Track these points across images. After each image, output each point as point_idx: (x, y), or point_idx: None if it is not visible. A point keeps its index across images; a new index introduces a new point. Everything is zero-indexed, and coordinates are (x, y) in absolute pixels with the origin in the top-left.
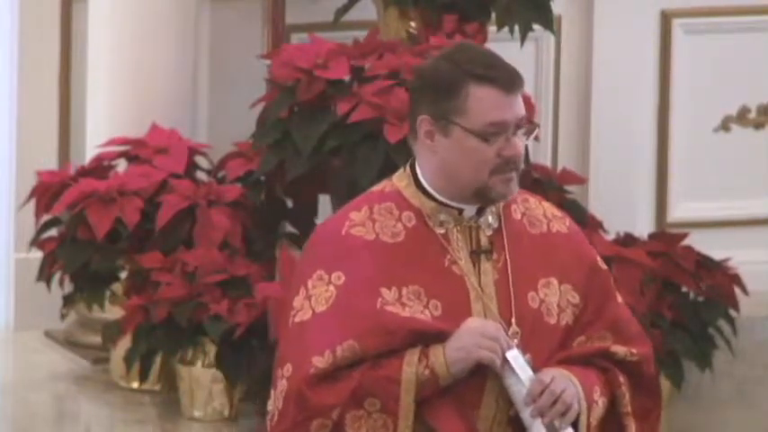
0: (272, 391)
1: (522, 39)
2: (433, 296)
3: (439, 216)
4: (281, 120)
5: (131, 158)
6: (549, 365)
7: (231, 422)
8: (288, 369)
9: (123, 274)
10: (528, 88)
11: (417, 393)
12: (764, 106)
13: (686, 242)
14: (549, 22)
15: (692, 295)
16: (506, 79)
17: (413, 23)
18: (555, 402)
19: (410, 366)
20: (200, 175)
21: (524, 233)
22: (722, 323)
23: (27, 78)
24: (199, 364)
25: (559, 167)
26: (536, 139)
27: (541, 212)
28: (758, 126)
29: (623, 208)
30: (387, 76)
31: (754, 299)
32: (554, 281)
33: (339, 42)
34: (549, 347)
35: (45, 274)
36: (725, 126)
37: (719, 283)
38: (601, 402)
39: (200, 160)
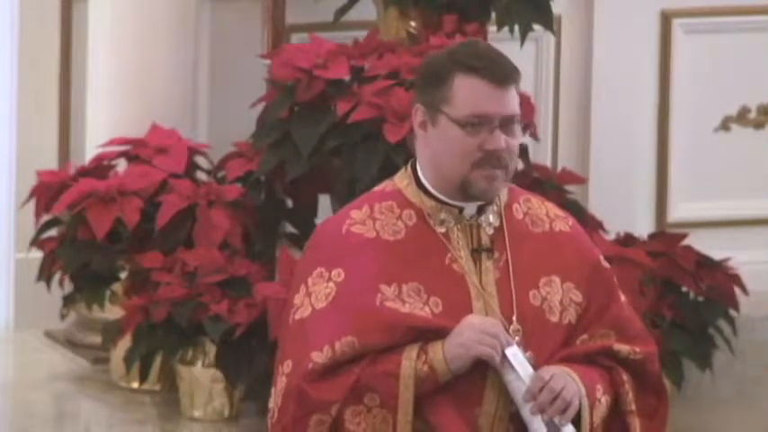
0: (273, 389)
1: (522, 39)
2: (434, 293)
3: (439, 215)
4: (281, 120)
5: (131, 158)
6: (551, 363)
7: (231, 422)
8: (288, 366)
9: (123, 274)
10: (528, 88)
11: (416, 389)
12: (764, 106)
13: (686, 242)
14: (549, 22)
15: (692, 295)
16: (495, 72)
17: (413, 23)
18: (555, 399)
19: (409, 362)
20: (201, 175)
21: (526, 232)
22: (722, 323)
23: (27, 78)
24: (199, 364)
25: (559, 167)
26: (535, 138)
27: (544, 212)
28: (758, 126)
29: (623, 208)
30: (387, 76)
31: (754, 299)
32: (556, 279)
33: (339, 42)
34: (551, 345)
35: (45, 274)
36: (725, 126)
37: (719, 283)
38: (604, 401)
39: (201, 160)
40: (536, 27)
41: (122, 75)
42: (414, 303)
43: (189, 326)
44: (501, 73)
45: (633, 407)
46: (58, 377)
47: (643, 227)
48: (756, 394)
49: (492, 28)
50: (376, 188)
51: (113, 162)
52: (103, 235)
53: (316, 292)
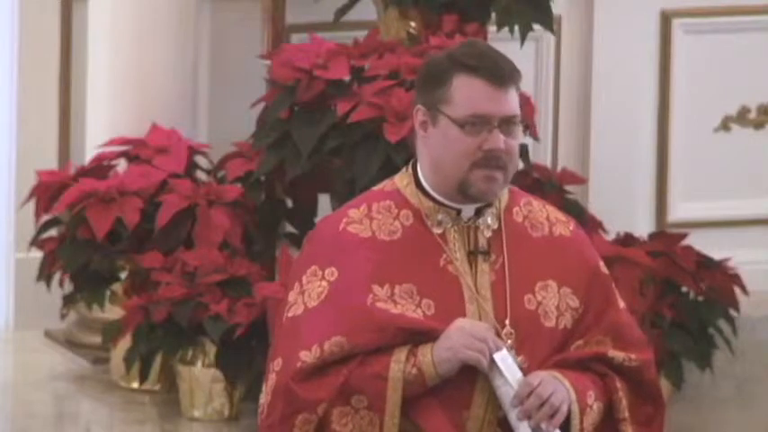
0: (264, 386)
1: (522, 39)
2: (426, 295)
3: (437, 216)
4: (281, 120)
5: (131, 158)
6: (544, 368)
7: (231, 422)
8: (278, 363)
9: (123, 274)
10: (528, 88)
11: (405, 392)
12: (764, 106)
13: (686, 242)
14: (549, 22)
15: (692, 295)
16: (494, 72)
17: (413, 23)
18: (542, 405)
19: (398, 364)
20: (201, 175)
21: (525, 235)
22: (722, 323)
23: (27, 78)
24: (199, 364)
25: (559, 167)
26: (535, 138)
27: (544, 216)
28: (758, 126)
29: (623, 208)
30: (387, 76)
31: (754, 299)
32: (553, 284)
33: (339, 42)
34: (545, 350)
35: (45, 274)
36: (725, 126)
37: (719, 283)
38: (596, 407)
39: (201, 160)
40: (536, 27)
41: (122, 75)
42: (406, 305)
43: (189, 326)
44: (500, 73)
45: (626, 414)
46: (58, 377)
47: (643, 227)
48: (756, 394)
49: (492, 28)
50: (376, 187)
51: (113, 162)
52: (103, 235)
53: (309, 291)
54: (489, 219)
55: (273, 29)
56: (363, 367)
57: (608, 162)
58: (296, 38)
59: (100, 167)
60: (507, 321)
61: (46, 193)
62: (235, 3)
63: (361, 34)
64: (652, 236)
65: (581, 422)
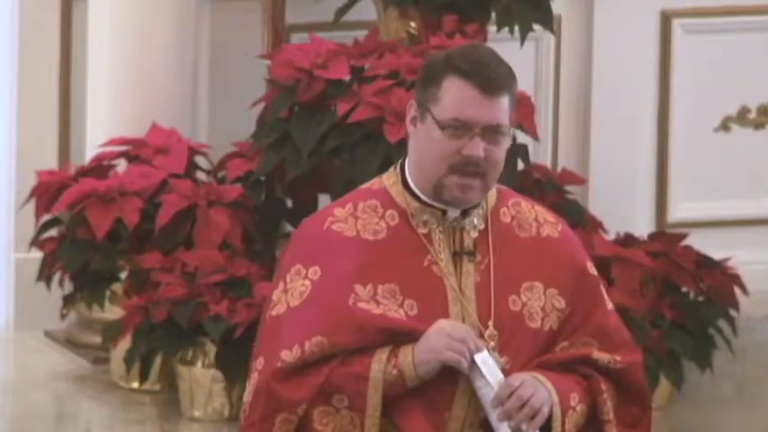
0: (247, 384)
1: (522, 39)
2: (409, 296)
3: (422, 216)
4: (281, 120)
5: (131, 158)
6: (527, 369)
7: (231, 422)
8: (260, 362)
9: (123, 274)
10: (528, 88)
11: (385, 392)
12: (764, 106)
13: (686, 242)
14: (549, 22)
15: (692, 295)
16: (485, 79)
17: (413, 23)
18: (522, 406)
19: (379, 365)
20: (200, 175)
21: (512, 236)
22: (722, 323)
23: (27, 78)
24: (199, 364)
25: (559, 167)
26: (535, 138)
27: (533, 216)
28: (758, 126)
29: (623, 208)
30: (387, 76)
31: (754, 299)
32: (539, 285)
33: (339, 42)
34: (529, 351)
35: (45, 274)
36: (725, 126)
37: (719, 283)
38: (579, 409)
39: (201, 160)
40: (536, 27)
41: (122, 75)
42: (388, 305)
43: (189, 326)
44: (491, 81)
45: (611, 416)
46: (58, 377)
47: (643, 227)
48: (756, 394)
49: (492, 28)
50: (364, 185)
51: (113, 162)
52: (103, 235)
53: (292, 290)
54: (476, 219)
55: (273, 29)
56: (345, 367)
57: (608, 162)
58: (296, 38)
59: (100, 167)
60: (491, 323)
61: (46, 193)
62: (235, 3)
63: (361, 34)
64: (652, 236)
65: (563, 424)
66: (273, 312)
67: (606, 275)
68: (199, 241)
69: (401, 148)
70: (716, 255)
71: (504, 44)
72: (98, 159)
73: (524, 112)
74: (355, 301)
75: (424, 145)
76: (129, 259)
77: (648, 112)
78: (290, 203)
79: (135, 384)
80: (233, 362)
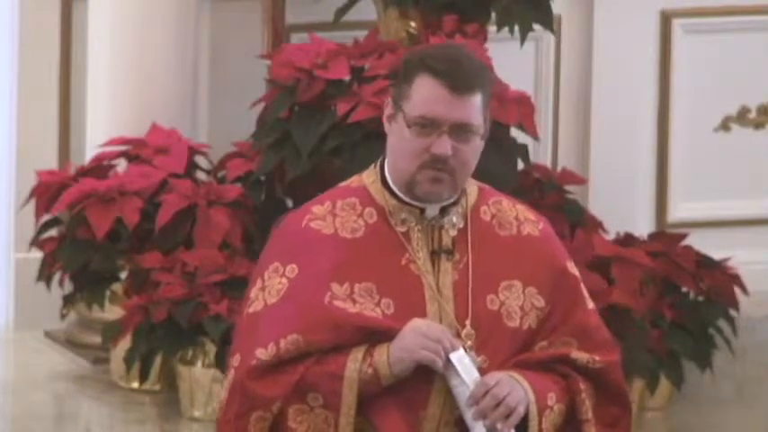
0: (224, 381)
1: (522, 39)
2: (386, 294)
3: (401, 214)
4: (281, 120)
5: (131, 158)
6: (505, 368)
7: None
8: (236, 359)
9: (123, 274)
10: (528, 88)
11: (360, 391)
12: (764, 106)
13: (686, 242)
14: (549, 22)
15: (692, 295)
16: (454, 78)
17: (413, 23)
18: (497, 405)
19: (354, 363)
20: (200, 175)
21: (492, 235)
22: (722, 323)
23: (27, 78)
24: (199, 364)
25: (559, 167)
26: (535, 138)
27: (513, 215)
28: (758, 126)
29: (623, 208)
30: (387, 76)
31: (754, 299)
32: (517, 284)
33: (339, 42)
34: (507, 350)
35: (45, 274)
36: (725, 126)
37: (719, 283)
38: (557, 408)
39: (201, 160)
40: (536, 27)
41: (122, 75)
42: (365, 303)
43: (189, 326)
44: (460, 80)
45: (589, 416)
46: (58, 377)
47: (643, 227)
48: (756, 394)
49: (492, 28)
50: (344, 183)
51: (113, 162)
52: (103, 235)
53: (269, 287)
54: (455, 218)
55: (273, 29)
56: (320, 365)
57: (608, 162)
58: (296, 38)
59: (100, 167)
60: (468, 322)
61: (46, 193)
62: (235, 3)
63: (361, 34)
64: (652, 236)
65: (539, 423)
66: (251, 310)
67: (606, 275)
68: (199, 241)
69: None
70: (716, 255)
71: (504, 44)
72: (98, 159)
73: (524, 112)
74: (331, 299)
75: (397, 142)
76: (129, 259)
77: (648, 112)
78: (290, 203)
79: (135, 384)
80: None
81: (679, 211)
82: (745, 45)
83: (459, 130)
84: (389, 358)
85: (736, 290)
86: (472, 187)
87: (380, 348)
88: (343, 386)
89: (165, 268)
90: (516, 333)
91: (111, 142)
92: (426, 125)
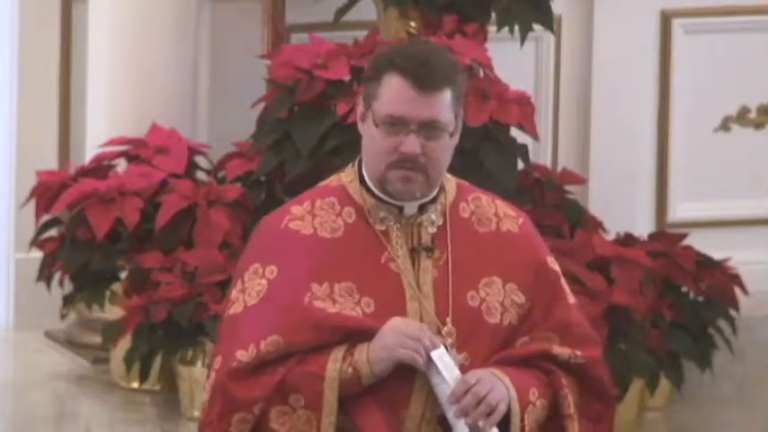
0: (206, 383)
1: (522, 39)
2: (366, 293)
3: (379, 213)
4: (281, 120)
5: (131, 158)
6: (486, 365)
7: None
8: (218, 362)
9: (123, 274)
10: (528, 88)
11: (341, 391)
12: (764, 106)
13: (686, 242)
14: (549, 22)
15: (692, 295)
16: (420, 76)
17: (413, 23)
18: (479, 403)
19: (335, 363)
20: (201, 175)
21: (471, 231)
22: (722, 323)
23: (27, 78)
24: (199, 364)
25: (559, 167)
26: (535, 138)
27: (493, 211)
28: (758, 126)
29: (623, 208)
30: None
31: (754, 299)
32: (497, 280)
33: (339, 42)
34: (488, 347)
35: (45, 274)
36: (725, 126)
37: (719, 283)
38: (539, 404)
39: (201, 160)
40: (536, 27)
41: (122, 75)
42: (345, 303)
43: (189, 326)
44: (427, 77)
45: (571, 410)
46: (58, 377)
47: (643, 227)
48: (756, 394)
49: (492, 28)
50: (323, 182)
51: (113, 162)
52: (103, 235)
53: (249, 289)
54: (433, 215)
55: (273, 29)
56: (301, 366)
57: (608, 162)
58: (296, 38)
59: (100, 167)
60: (449, 319)
61: (46, 193)
62: (235, 3)
63: (361, 34)
64: (652, 236)
65: (522, 420)
66: (231, 311)
67: (606, 275)
68: (199, 241)
69: None
70: (716, 255)
71: (504, 44)
72: (98, 159)
73: (524, 112)
74: (311, 299)
75: (368, 142)
76: (129, 259)
77: (648, 112)
78: None
79: (135, 384)
80: None
81: (679, 211)
82: (745, 45)
83: (428, 128)
84: (369, 357)
85: (736, 290)
86: (451, 184)
87: (360, 348)
88: (323, 386)
89: (165, 268)
90: (497, 329)
91: (111, 142)
92: (394, 124)
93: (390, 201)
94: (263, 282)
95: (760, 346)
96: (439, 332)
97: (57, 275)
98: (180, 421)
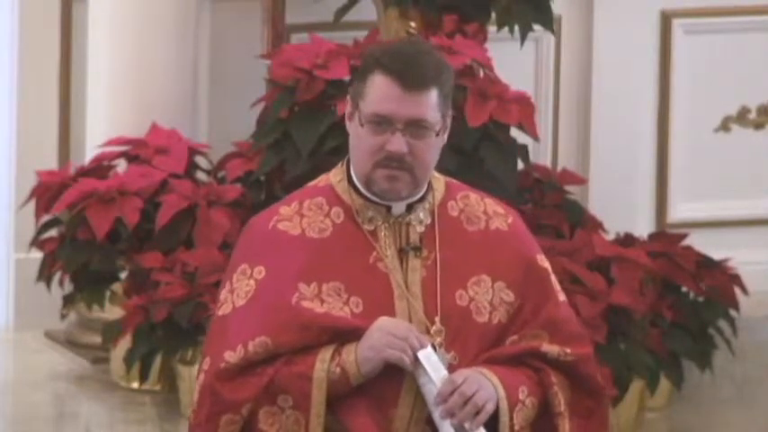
0: (195, 385)
1: (522, 39)
2: (355, 293)
3: (367, 212)
4: (281, 120)
5: (131, 158)
6: (475, 364)
7: None
8: (206, 363)
9: (123, 274)
10: (528, 88)
11: (329, 391)
12: (764, 106)
13: (686, 242)
14: (549, 22)
15: (692, 295)
16: (406, 75)
17: (413, 23)
18: (465, 403)
19: (322, 364)
20: (201, 175)
21: (460, 230)
22: (722, 323)
23: (27, 78)
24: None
25: (559, 167)
26: (535, 138)
27: (482, 209)
28: (758, 126)
29: (623, 208)
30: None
31: (754, 299)
32: (486, 278)
33: (339, 42)
34: (477, 346)
35: (45, 274)
36: (725, 126)
37: (719, 283)
38: (529, 402)
39: (201, 160)
40: (536, 27)
41: (122, 75)
42: (333, 303)
43: (189, 326)
44: (413, 76)
45: (562, 408)
46: (58, 377)
47: (643, 227)
48: (756, 394)
49: (492, 28)
50: (311, 183)
51: (113, 162)
52: (103, 235)
53: (238, 290)
54: (422, 214)
55: (273, 29)
56: (289, 367)
57: (608, 162)
58: (296, 38)
59: (100, 167)
60: (437, 318)
61: (46, 193)
62: (235, 3)
63: (361, 34)
64: (652, 236)
65: (510, 419)
66: (220, 312)
67: (606, 275)
68: (199, 241)
69: None
70: (716, 255)
71: (504, 44)
72: (98, 159)
73: (524, 112)
74: (299, 299)
75: (355, 140)
76: (129, 259)
77: (648, 112)
78: None
79: (135, 384)
80: None
81: (679, 211)
82: (745, 45)
83: (414, 127)
84: (357, 358)
85: (736, 290)
86: (439, 182)
87: (348, 348)
88: (312, 387)
89: (165, 268)
90: (486, 328)
91: (111, 142)
92: (380, 122)
93: (378, 200)
94: (252, 282)
95: (760, 347)
96: (427, 331)
97: (57, 275)
98: (180, 421)
